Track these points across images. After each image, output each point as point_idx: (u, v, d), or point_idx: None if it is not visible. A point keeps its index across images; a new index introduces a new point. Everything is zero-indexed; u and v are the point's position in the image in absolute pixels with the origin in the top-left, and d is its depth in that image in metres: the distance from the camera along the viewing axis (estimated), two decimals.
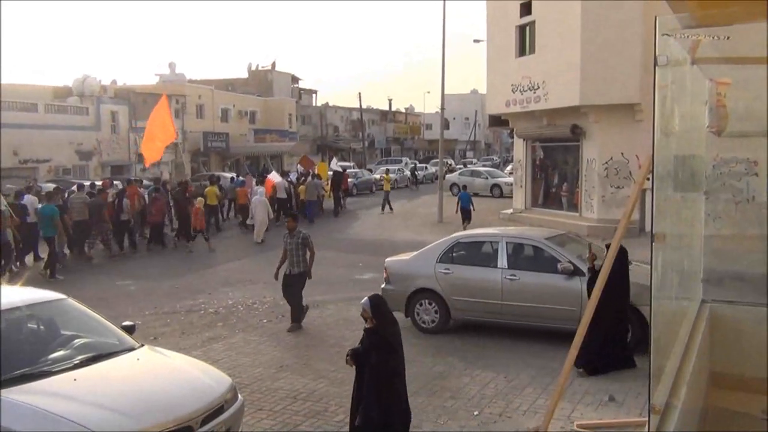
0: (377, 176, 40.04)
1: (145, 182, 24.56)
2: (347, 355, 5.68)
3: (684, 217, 4.91)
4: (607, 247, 6.89)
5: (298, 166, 31.82)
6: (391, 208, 27.83)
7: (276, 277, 10.84)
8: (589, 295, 7.83)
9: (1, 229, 14.27)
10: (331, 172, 29.14)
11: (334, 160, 33.00)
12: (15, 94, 32.94)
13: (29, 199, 16.49)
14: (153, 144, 19.49)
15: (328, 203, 27.92)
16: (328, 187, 27.85)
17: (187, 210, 19.33)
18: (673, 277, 4.35)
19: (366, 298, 5.77)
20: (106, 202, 18.08)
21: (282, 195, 24.31)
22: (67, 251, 17.12)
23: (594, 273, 8.07)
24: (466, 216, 21.72)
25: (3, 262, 14.54)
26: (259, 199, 20.82)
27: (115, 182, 23.35)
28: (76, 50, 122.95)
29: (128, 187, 19.93)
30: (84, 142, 35.08)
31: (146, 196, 20.04)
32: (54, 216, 15.12)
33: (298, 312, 10.59)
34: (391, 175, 40.49)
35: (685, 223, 5.03)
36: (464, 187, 24.01)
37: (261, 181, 24.81)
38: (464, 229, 19.83)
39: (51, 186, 20.37)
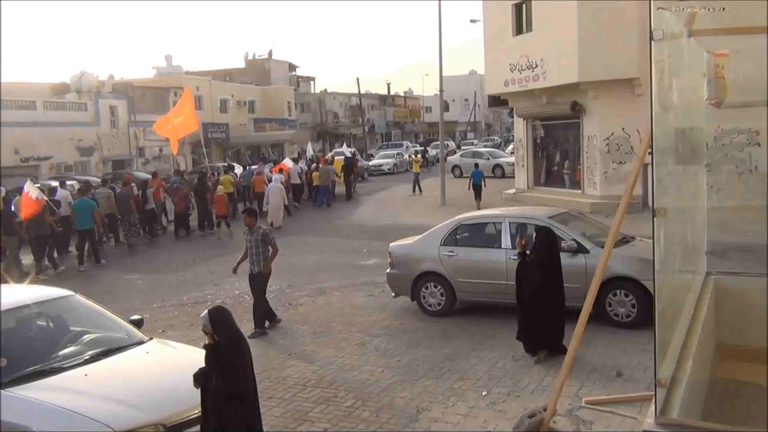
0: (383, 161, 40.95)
1: (143, 175, 24.87)
2: (194, 377, 4.87)
3: (686, 190, 4.91)
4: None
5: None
6: (420, 190, 28.23)
7: (234, 271, 10.34)
8: (516, 280, 8.13)
9: (42, 222, 15.05)
10: (342, 157, 30.61)
11: (345, 146, 34.86)
12: (12, 92, 32.89)
13: (62, 194, 17.57)
14: (168, 126, 21.01)
15: (340, 188, 28.42)
16: (340, 173, 28.48)
17: (206, 198, 20.35)
18: (676, 250, 4.35)
19: (205, 311, 4.95)
20: (132, 193, 19.14)
21: (296, 180, 25.38)
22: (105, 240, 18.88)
23: (523, 257, 8.08)
24: (478, 192, 22.83)
25: (43, 253, 15.41)
26: (274, 185, 21.47)
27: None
28: (71, 46, 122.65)
29: (152, 179, 21.25)
30: (84, 137, 35.10)
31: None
32: (92, 208, 16.25)
33: (257, 315, 9.81)
34: (389, 160, 41.29)
35: (688, 196, 5.03)
36: (476, 165, 25.31)
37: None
38: (477, 206, 21.26)
39: (55, 183, 20.71)
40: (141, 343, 6.19)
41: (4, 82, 34.10)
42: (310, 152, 35.16)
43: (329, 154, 33.63)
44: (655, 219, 3.32)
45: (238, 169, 29.70)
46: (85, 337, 6.09)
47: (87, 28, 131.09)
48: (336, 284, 12.81)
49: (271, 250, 9.83)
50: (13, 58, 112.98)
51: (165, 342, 6.66)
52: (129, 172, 27.16)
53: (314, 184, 26.25)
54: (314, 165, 28.14)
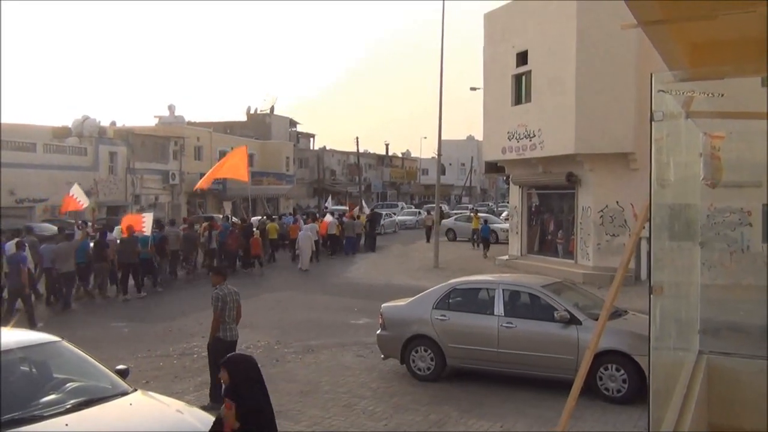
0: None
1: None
2: None
3: (680, 267, 4.94)
4: None
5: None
6: (477, 245, 30.74)
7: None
8: None
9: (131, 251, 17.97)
10: (367, 212, 35.77)
11: (363, 203, 42.31)
12: (14, 133, 33.09)
13: (112, 236, 19.45)
14: (215, 170, 23.44)
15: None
16: (365, 227, 32.01)
17: (250, 242, 23.50)
18: (670, 327, 4.35)
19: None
20: (199, 235, 22.80)
21: (333, 231, 28.76)
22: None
23: None
24: (486, 245, 27.54)
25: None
26: (304, 233, 24.74)
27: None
28: (76, 91, 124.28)
29: (212, 222, 24.34)
30: (81, 182, 35.06)
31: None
32: (152, 243, 18.95)
33: (214, 388, 8.64)
34: (413, 217, 48.71)
35: (682, 273, 5.06)
36: (485, 221, 30.22)
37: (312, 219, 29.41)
38: (484, 256, 26.27)
39: (49, 225, 21.16)
40: (125, 394, 6.06)
41: (5, 123, 34.41)
42: (330, 205, 39.21)
43: (356, 210, 36.26)
44: (651, 296, 3.34)
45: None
46: (68, 385, 5.97)
47: (93, 73, 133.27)
48: (325, 342, 12.67)
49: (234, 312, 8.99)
50: (17, 99, 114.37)
51: (149, 394, 6.53)
52: (188, 216, 31.92)
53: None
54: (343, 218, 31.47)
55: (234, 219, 28.64)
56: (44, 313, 15.71)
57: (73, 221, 23.20)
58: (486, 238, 28.40)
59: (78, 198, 19.37)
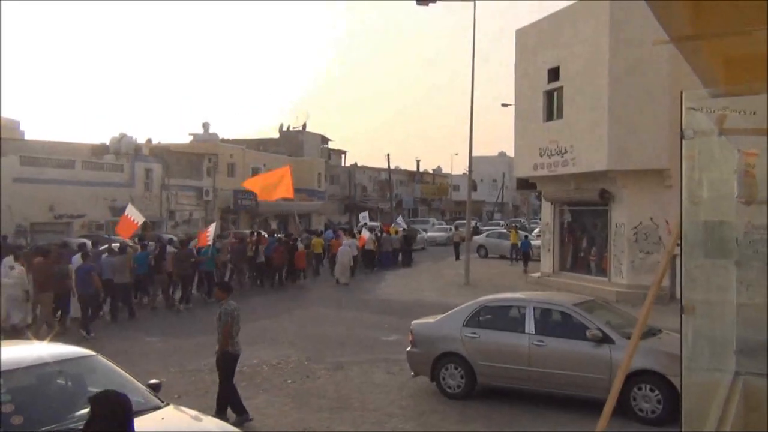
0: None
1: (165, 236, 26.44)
2: None
3: (715, 285, 4.85)
4: None
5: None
6: (516, 260, 31.81)
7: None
8: None
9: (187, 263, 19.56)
10: (402, 228, 36.78)
11: (400, 218, 44.25)
12: (54, 151, 33.96)
13: (170, 249, 20.50)
14: (263, 184, 23.29)
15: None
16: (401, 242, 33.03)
17: (295, 256, 24.55)
18: (704, 347, 4.27)
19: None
20: (248, 247, 23.50)
21: (370, 247, 29.38)
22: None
23: None
24: (526, 259, 28.45)
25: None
26: (343, 248, 25.47)
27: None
28: (114, 109, 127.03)
29: (259, 236, 25.15)
30: (118, 198, 35.85)
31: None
32: (214, 255, 20.68)
33: (222, 399, 8.97)
34: (443, 234, 48.95)
35: (717, 291, 4.96)
36: (526, 236, 31.34)
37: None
38: (525, 271, 26.71)
39: (85, 240, 21.77)
40: (157, 408, 6.14)
41: (45, 141, 35.30)
42: (365, 221, 39.64)
43: (392, 226, 37.38)
44: (683, 316, 3.28)
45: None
46: None
47: (130, 92, 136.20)
48: (355, 359, 12.66)
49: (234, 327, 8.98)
50: (58, 118, 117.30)
51: (181, 408, 6.60)
52: (233, 231, 32.69)
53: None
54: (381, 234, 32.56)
55: (279, 234, 29.48)
56: (98, 323, 16.11)
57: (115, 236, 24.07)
58: (526, 252, 28.88)
59: (134, 218, 20.45)
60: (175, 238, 23.99)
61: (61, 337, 14.59)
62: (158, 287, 19.26)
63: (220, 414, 8.62)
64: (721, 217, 5.17)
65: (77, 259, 16.16)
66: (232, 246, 23.00)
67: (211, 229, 21.44)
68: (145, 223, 20.07)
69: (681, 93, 3.51)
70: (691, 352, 3.52)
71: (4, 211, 29.70)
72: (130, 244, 20.58)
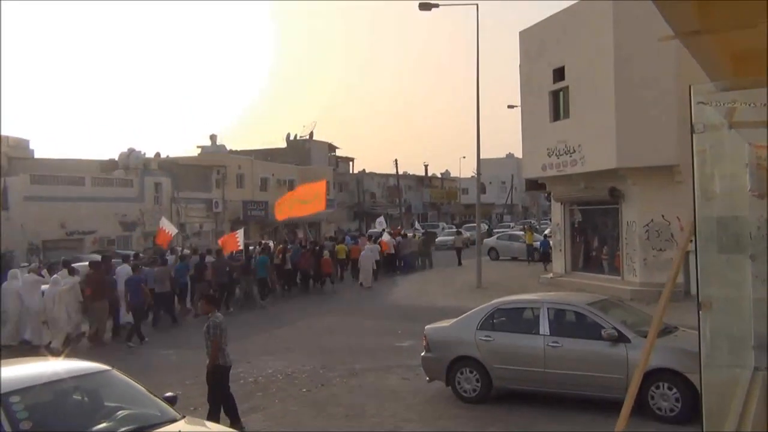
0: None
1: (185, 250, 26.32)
2: None
3: (730, 281, 4.80)
4: None
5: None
6: (532, 260, 31.90)
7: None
8: None
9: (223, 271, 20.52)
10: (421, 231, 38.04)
11: (417, 223, 46.50)
12: (64, 168, 34.24)
13: (209, 260, 21.27)
14: (291, 200, 23.35)
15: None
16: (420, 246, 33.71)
17: (321, 262, 25.19)
18: (722, 344, 4.23)
19: None
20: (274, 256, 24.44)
21: (390, 251, 30.19)
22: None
23: None
24: (546, 258, 27.84)
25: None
26: (365, 253, 26.30)
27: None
28: (121, 125, 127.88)
29: (286, 245, 26.34)
30: (128, 213, 36.08)
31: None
32: (267, 263, 22.27)
33: (228, 410, 8.84)
34: (452, 237, 46.60)
35: (732, 287, 4.91)
36: (545, 236, 30.36)
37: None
38: (545, 269, 26.76)
39: (97, 256, 22.09)
40: (173, 421, 6.14)
41: (56, 158, 35.58)
42: (382, 226, 39.87)
43: (412, 229, 38.63)
44: (700, 312, 3.25)
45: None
46: (119, 413, 6.07)
47: (137, 107, 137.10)
48: (370, 365, 12.63)
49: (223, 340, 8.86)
50: (67, 135, 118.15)
51: (197, 421, 6.60)
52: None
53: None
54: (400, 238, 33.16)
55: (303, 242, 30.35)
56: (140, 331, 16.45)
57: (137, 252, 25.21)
58: (546, 252, 28.51)
59: (168, 229, 22.55)
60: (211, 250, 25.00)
61: (107, 346, 15.62)
62: (200, 295, 19.65)
63: (235, 425, 8.54)
64: (734, 211, 5.12)
65: (123, 271, 17.31)
66: (260, 255, 23.58)
67: (240, 234, 22.39)
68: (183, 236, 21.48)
69: (690, 87, 3.48)
70: (709, 348, 3.49)
71: (17, 230, 29.94)
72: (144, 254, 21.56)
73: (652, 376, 8.31)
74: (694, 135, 3.44)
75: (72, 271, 16.39)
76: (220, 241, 23.89)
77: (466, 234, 46.55)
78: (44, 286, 16.00)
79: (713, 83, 4.67)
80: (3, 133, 39.00)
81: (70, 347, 14.75)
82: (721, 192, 4.47)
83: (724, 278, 4.51)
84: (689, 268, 17.38)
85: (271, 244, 27.78)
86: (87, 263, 18.86)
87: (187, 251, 24.09)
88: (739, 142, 4.90)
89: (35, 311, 15.63)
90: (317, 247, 26.27)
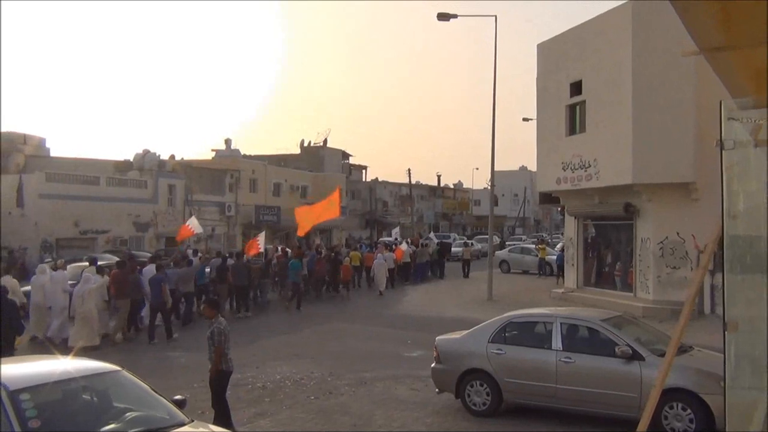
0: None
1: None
2: None
3: (754, 301, 4.71)
4: None
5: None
6: (543, 274, 32.65)
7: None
8: None
9: (243, 275, 20.80)
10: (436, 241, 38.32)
11: (432, 233, 45.93)
12: (79, 167, 34.42)
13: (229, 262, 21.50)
14: (311, 216, 23.10)
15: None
16: (435, 255, 33.98)
17: (338, 268, 25.46)
18: (744, 365, 4.14)
19: None
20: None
21: (406, 259, 30.56)
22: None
23: None
24: (562, 272, 27.10)
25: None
26: (378, 261, 26.88)
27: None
28: (138, 126, 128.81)
29: (301, 251, 26.04)
30: (141, 214, 36.22)
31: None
32: (299, 268, 22.22)
33: (220, 418, 8.61)
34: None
35: (756, 308, 4.82)
36: (562, 249, 29.60)
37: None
38: (557, 283, 26.74)
39: (111, 256, 22.86)
40: (182, 424, 6.09)
41: (71, 158, 35.82)
42: (397, 236, 40.54)
43: (423, 239, 38.56)
44: (726, 333, 3.17)
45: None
46: (127, 414, 6.03)
47: (154, 109, 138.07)
48: (378, 375, 12.55)
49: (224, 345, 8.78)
50: (83, 134, 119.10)
51: (205, 425, 6.56)
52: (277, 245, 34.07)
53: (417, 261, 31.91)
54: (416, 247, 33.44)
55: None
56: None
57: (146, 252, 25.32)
58: (561, 266, 28.23)
59: (192, 227, 22.90)
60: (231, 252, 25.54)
61: (131, 342, 16.20)
62: (221, 297, 20.11)
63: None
64: (757, 231, 5.04)
65: (149, 271, 17.54)
66: (278, 259, 24.11)
67: (261, 238, 22.81)
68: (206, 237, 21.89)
69: (720, 103, 3.42)
70: (734, 371, 3.40)
71: (31, 227, 30.14)
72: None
73: (667, 396, 8.16)
74: (723, 151, 3.37)
75: (100, 271, 16.67)
76: (245, 246, 24.49)
77: (477, 246, 46.38)
78: (70, 282, 16.39)
79: (736, 100, 4.59)
80: (24, 132, 39.43)
81: (108, 346, 15.27)
82: (745, 210, 4.39)
83: (748, 299, 4.42)
84: (704, 287, 17.16)
85: (278, 249, 27.71)
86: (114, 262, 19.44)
87: (207, 255, 24.30)
88: (762, 158, 4.82)
89: (61, 307, 15.87)
90: (333, 254, 26.50)
